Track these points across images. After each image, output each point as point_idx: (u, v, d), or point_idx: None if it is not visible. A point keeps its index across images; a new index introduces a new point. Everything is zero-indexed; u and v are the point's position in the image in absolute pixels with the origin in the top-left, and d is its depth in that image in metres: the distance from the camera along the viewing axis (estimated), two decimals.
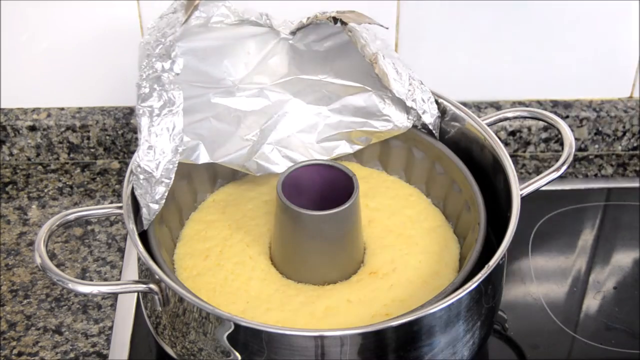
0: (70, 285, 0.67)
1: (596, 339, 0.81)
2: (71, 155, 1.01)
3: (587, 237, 0.92)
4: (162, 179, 0.71)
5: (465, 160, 0.79)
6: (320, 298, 0.72)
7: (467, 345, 0.70)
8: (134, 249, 0.72)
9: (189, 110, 0.77)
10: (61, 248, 0.90)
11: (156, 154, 0.70)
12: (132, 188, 0.72)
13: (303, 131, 0.83)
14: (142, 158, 0.70)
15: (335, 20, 0.76)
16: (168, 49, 0.70)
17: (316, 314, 0.71)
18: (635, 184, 0.99)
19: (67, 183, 0.98)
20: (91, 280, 0.86)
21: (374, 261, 0.76)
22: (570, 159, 0.77)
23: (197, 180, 0.82)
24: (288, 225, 0.72)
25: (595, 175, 1.01)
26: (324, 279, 0.74)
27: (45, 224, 0.70)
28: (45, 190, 0.97)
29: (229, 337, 0.65)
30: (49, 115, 0.99)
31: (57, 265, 0.85)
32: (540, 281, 0.87)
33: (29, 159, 1.01)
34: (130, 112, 1.00)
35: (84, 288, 0.67)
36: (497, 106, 1.03)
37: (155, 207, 0.72)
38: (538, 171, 1.02)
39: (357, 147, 0.83)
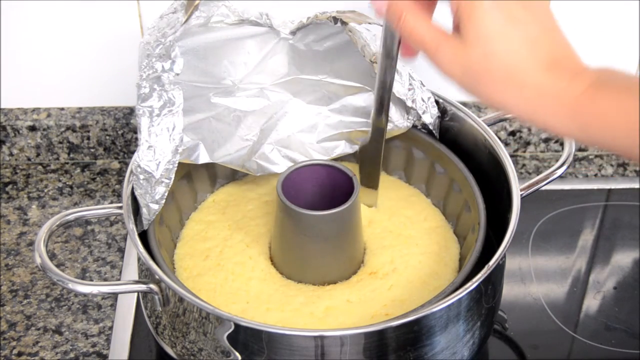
0: (70, 285, 0.67)
1: (596, 339, 0.81)
2: (71, 155, 1.01)
3: (587, 237, 0.92)
4: (162, 179, 0.71)
5: (465, 160, 0.79)
6: (320, 298, 0.72)
7: (467, 345, 0.70)
8: (134, 249, 0.72)
9: (189, 110, 0.77)
10: (61, 248, 0.90)
11: (156, 154, 0.70)
12: (132, 188, 0.72)
13: (303, 131, 0.83)
14: (142, 158, 0.70)
15: (335, 20, 0.76)
16: (168, 49, 0.70)
17: (316, 314, 0.71)
18: (635, 184, 0.99)
19: (67, 183, 0.98)
20: (91, 280, 0.86)
21: (374, 261, 0.76)
22: (570, 159, 0.77)
23: (197, 180, 0.82)
24: (288, 225, 0.72)
25: (595, 175, 1.01)
26: (324, 279, 0.74)
27: (45, 224, 0.70)
28: (45, 190, 0.97)
29: (229, 337, 0.65)
30: (49, 115, 0.99)
31: (57, 265, 0.85)
32: (540, 281, 0.87)
33: (29, 159, 1.01)
34: (130, 112, 1.00)
35: (84, 288, 0.67)
36: None
37: (155, 207, 0.72)
38: (538, 171, 1.01)
39: (357, 147, 0.83)
